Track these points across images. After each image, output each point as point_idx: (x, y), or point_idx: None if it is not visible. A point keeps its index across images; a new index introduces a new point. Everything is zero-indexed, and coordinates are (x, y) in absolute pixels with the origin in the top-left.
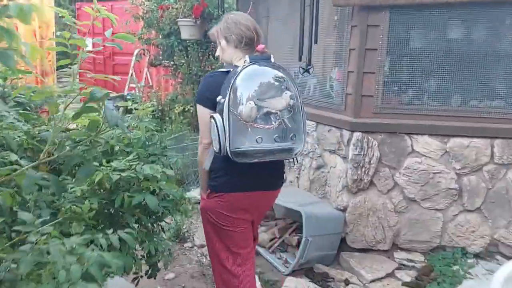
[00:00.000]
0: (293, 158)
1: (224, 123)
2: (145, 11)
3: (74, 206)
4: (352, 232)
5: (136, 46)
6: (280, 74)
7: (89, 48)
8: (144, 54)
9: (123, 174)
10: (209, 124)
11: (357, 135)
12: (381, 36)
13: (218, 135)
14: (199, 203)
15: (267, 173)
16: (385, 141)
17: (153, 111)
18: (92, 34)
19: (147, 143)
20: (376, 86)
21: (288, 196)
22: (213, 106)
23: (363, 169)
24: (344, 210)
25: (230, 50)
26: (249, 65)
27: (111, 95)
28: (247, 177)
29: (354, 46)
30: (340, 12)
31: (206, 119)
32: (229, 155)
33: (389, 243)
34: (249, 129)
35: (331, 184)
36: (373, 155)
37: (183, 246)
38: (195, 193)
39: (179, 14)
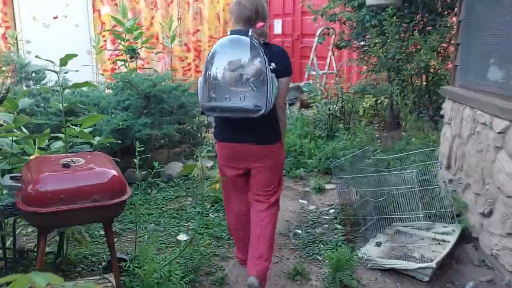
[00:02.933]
0: (257, 117)
1: (199, 84)
2: None
3: None
4: None
5: (321, 25)
6: (251, 45)
7: (279, 30)
8: (329, 34)
9: None
10: None
11: None
12: None
13: (198, 93)
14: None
15: (245, 130)
16: None
17: (329, 109)
18: (281, 15)
19: None
20: None
21: None
22: None
23: None
24: None
25: (236, 27)
26: (223, 38)
27: None
28: (229, 130)
29: None
30: None
31: None
32: (201, 109)
33: None
34: (216, 90)
35: None
36: None
37: None
38: (373, 251)
39: None
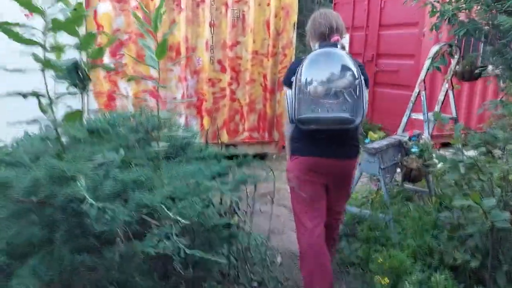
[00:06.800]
0: (351, 128)
1: (292, 98)
2: None
3: None
4: None
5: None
6: (343, 57)
7: (346, 46)
8: (449, 54)
9: None
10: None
11: None
12: None
13: (288, 106)
14: None
15: (333, 143)
16: None
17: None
18: (349, 29)
19: None
20: None
21: None
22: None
23: None
24: None
25: (311, 42)
26: (315, 51)
27: (378, 143)
28: (316, 144)
29: None
30: None
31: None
32: (295, 122)
33: None
34: (314, 103)
35: None
36: None
37: None
38: None
39: None
